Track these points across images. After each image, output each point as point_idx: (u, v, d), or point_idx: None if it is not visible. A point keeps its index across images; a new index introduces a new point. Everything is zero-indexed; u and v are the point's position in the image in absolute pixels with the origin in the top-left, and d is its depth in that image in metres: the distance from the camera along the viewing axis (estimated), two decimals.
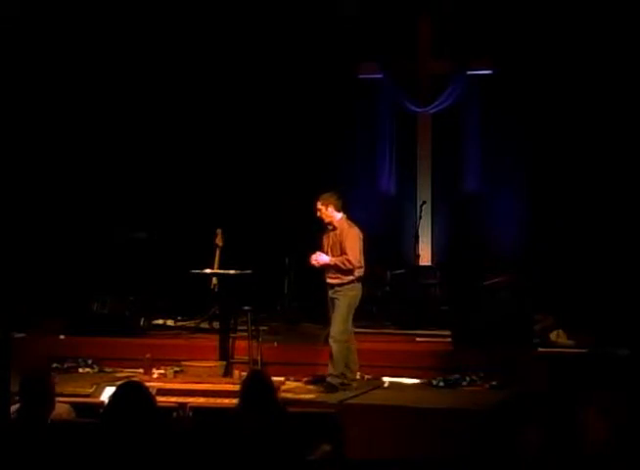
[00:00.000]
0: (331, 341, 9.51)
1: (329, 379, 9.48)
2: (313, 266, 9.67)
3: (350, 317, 9.62)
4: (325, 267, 9.65)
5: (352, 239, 9.56)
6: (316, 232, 13.48)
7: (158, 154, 13.73)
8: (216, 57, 13.64)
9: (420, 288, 12.71)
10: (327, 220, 9.64)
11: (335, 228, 9.64)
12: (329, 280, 9.64)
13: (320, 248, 9.74)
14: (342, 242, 9.55)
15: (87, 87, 13.42)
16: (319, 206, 9.62)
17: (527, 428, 4.65)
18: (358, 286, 9.63)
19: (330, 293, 9.65)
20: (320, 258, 9.61)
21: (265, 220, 13.37)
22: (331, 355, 9.50)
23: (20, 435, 5.49)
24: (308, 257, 9.67)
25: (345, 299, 9.55)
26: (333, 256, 9.59)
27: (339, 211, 9.63)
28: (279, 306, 12.41)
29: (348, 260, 9.48)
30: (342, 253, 9.52)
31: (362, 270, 9.63)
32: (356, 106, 13.77)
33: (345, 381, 9.53)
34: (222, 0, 13.58)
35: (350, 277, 9.55)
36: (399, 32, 13.46)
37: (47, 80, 13.01)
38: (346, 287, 9.56)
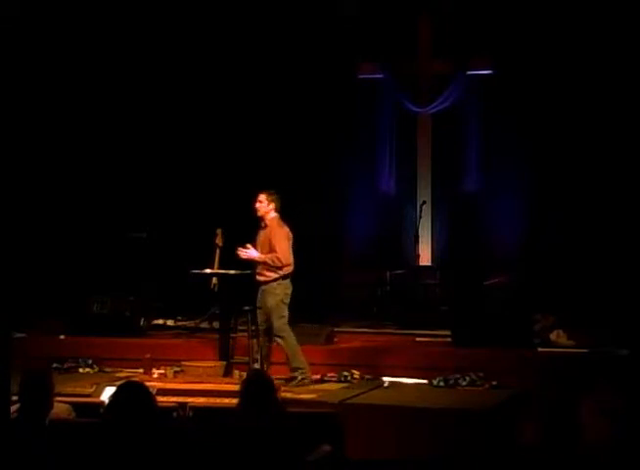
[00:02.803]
0: (278, 340, 9.69)
1: (296, 374, 9.59)
2: (240, 258, 9.83)
3: (285, 312, 9.74)
4: (255, 263, 9.82)
5: (281, 237, 9.77)
6: (315, 232, 13.55)
7: (157, 154, 13.72)
8: (217, 57, 13.63)
9: (420, 288, 12.72)
10: (261, 214, 9.85)
11: (266, 226, 9.85)
12: (257, 277, 9.84)
13: (253, 244, 9.90)
14: (271, 240, 9.75)
15: (87, 87, 13.42)
16: (263, 198, 9.83)
17: (527, 427, 4.66)
18: (284, 283, 9.77)
19: (260, 290, 9.83)
20: (250, 252, 9.76)
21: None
22: (287, 353, 9.66)
23: (19, 434, 5.49)
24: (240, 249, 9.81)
25: (272, 298, 9.72)
26: (262, 253, 9.76)
27: (276, 210, 9.85)
28: None
29: (278, 258, 9.68)
30: (272, 250, 9.72)
31: (290, 268, 9.79)
32: (356, 106, 13.76)
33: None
34: (222, 0, 13.58)
35: (275, 275, 9.73)
36: (399, 32, 13.45)
37: (47, 80, 13.01)
38: (271, 285, 9.73)
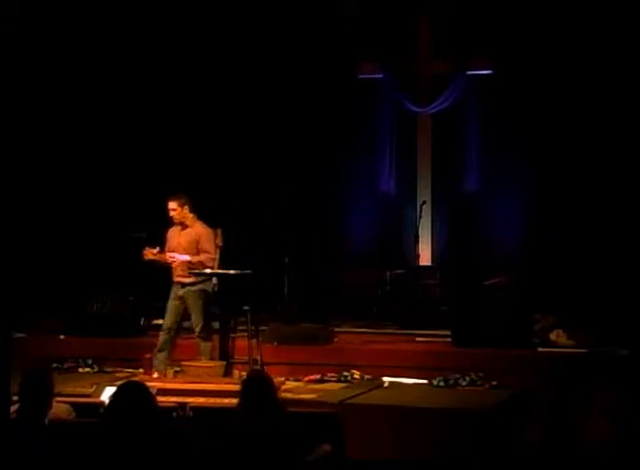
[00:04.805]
0: (202, 342, 9.85)
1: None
2: (166, 263, 9.86)
3: (209, 313, 9.92)
4: (173, 266, 9.88)
5: (209, 238, 9.87)
6: (314, 232, 13.56)
7: (157, 154, 13.71)
8: (217, 57, 13.63)
9: (420, 288, 12.71)
10: (181, 220, 9.90)
11: (186, 227, 9.90)
12: (180, 279, 9.90)
13: (163, 245, 9.94)
14: (199, 241, 9.85)
15: (87, 87, 13.41)
16: (175, 206, 9.87)
17: (527, 428, 4.66)
18: (208, 283, 9.85)
19: (180, 292, 9.89)
20: (181, 257, 9.81)
21: (265, 220, 13.37)
22: (207, 352, 9.79)
23: (19, 434, 5.49)
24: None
25: (201, 300, 9.84)
26: (187, 254, 9.83)
27: (191, 210, 9.92)
28: (279, 306, 12.41)
29: (211, 259, 9.82)
30: (202, 251, 9.82)
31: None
32: (356, 106, 13.76)
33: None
34: (223, 0, 13.57)
35: (202, 276, 9.82)
36: (399, 32, 13.46)
37: (47, 80, 13.00)
38: (199, 286, 9.83)
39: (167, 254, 9.88)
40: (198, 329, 9.87)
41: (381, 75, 13.70)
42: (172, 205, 9.87)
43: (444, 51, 13.40)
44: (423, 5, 13.48)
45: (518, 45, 12.93)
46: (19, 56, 11.81)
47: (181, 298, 9.91)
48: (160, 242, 9.98)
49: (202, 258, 9.83)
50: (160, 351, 9.88)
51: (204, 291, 9.85)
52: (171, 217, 9.93)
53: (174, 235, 9.99)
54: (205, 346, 9.85)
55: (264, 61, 13.58)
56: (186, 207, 9.88)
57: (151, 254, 9.86)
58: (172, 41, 13.54)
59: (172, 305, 9.95)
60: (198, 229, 9.92)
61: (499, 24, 12.98)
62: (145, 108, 13.64)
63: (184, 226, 9.94)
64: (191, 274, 9.82)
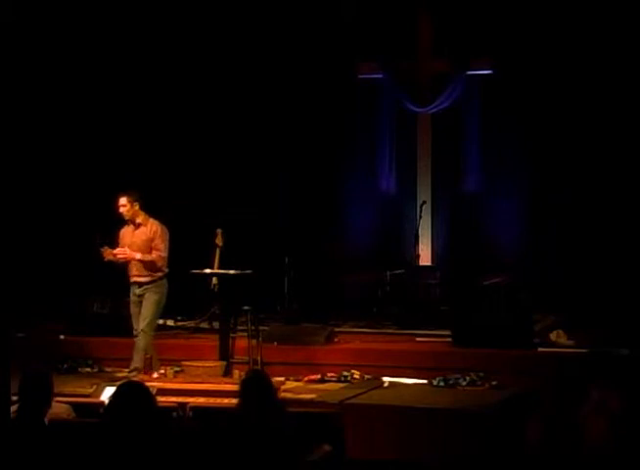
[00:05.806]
0: (141, 334, 9.77)
1: (133, 374, 9.60)
2: (114, 259, 9.76)
3: (159, 313, 9.94)
4: (129, 266, 9.81)
5: (165, 236, 9.81)
6: (316, 232, 13.55)
7: (156, 154, 13.71)
8: (217, 58, 13.62)
9: (420, 288, 12.71)
10: (131, 217, 9.79)
11: (139, 225, 9.81)
12: (136, 278, 9.83)
13: (115, 244, 9.88)
14: (154, 239, 9.77)
15: (85, 88, 13.40)
16: (125, 202, 9.75)
17: (529, 427, 4.67)
18: (166, 282, 9.86)
19: (137, 291, 9.84)
20: (130, 253, 9.72)
21: (265, 220, 13.37)
22: (137, 349, 9.77)
23: (18, 433, 5.49)
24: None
25: (156, 296, 9.81)
26: (141, 253, 9.75)
27: (142, 208, 9.81)
28: (279, 306, 12.41)
29: (163, 257, 9.74)
30: (154, 249, 9.74)
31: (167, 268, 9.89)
32: (356, 106, 13.76)
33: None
34: (223, 0, 13.57)
35: (160, 273, 9.82)
36: (399, 32, 13.44)
37: (45, 82, 13.00)
38: (157, 283, 9.82)
39: (118, 248, 9.77)
40: (143, 323, 9.76)
41: (381, 75, 13.68)
42: (122, 200, 9.73)
43: (444, 51, 13.38)
44: (423, 4, 13.47)
45: (518, 45, 12.92)
46: (17, 57, 11.81)
47: (140, 296, 9.84)
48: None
49: (153, 256, 9.74)
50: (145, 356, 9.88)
51: (160, 289, 9.81)
52: (120, 214, 9.80)
53: (127, 234, 9.89)
54: (145, 342, 9.75)
55: (264, 61, 13.57)
56: (136, 203, 9.75)
57: (110, 254, 9.76)
58: (172, 42, 13.53)
59: (135, 308, 9.90)
60: (152, 227, 9.82)
61: (499, 24, 12.97)
62: (146, 108, 13.63)
63: (137, 225, 9.83)
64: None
